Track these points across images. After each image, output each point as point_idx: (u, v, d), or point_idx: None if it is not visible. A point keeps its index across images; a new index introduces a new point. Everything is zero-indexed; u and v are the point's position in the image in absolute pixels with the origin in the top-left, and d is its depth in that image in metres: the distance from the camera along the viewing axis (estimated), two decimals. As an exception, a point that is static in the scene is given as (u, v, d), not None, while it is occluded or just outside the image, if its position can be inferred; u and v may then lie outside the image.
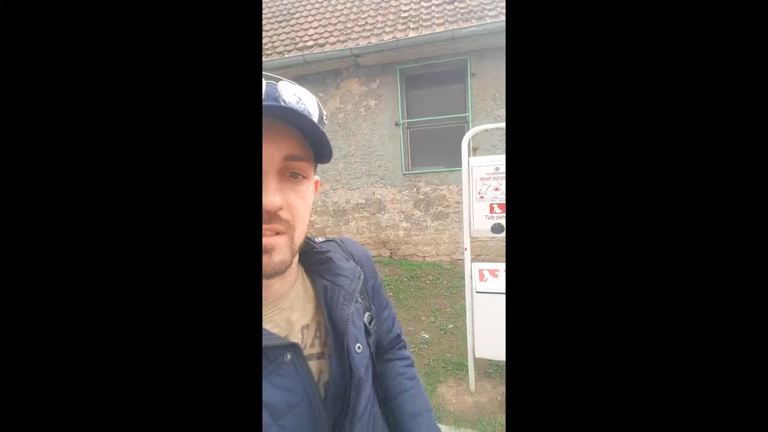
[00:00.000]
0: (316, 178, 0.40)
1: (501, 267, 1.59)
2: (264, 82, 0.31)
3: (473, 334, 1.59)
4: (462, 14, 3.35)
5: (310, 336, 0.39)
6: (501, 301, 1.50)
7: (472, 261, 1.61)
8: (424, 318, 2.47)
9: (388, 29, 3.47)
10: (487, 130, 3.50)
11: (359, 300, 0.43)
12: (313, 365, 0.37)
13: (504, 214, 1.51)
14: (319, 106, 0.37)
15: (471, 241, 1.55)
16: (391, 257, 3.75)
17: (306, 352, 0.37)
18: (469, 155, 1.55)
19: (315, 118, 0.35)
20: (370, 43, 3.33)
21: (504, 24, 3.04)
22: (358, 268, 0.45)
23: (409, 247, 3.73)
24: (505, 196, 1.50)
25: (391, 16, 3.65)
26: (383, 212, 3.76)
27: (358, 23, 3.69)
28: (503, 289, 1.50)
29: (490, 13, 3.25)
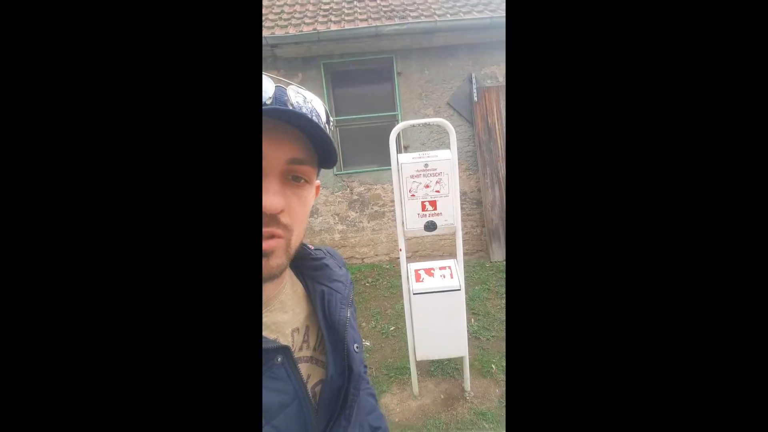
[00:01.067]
0: (317, 182, 0.39)
1: (436, 265, 1.55)
2: (273, 85, 0.31)
3: (413, 337, 1.52)
4: (384, 12, 3.31)
5: (300, 340, 0.39)
6: (438, 300, 1.46)
7: (408, 262, 1.53)
8: (365, 323, 2.35)
9: (307, 20, 3.24)
10: (414, 127, 3.54)
11: (351, 305, 0.44)
12: (302, 368, 0.37)
13: (436, 211, 1.46)
14: (326, 111, 0.36)
15: (406, 240, 1.47)
16: (328, 262, 3.54)
17: (295, 355, 0.37)
18: (398, 152, 1.46)
19: (322, 122, 0.34)
20: (287, 33, 3.06)
21: (426, 25, 3.09)
22: (349, 274, 0.47)
23: (347, 250, 3.58)
24: (435, 193, 1.45)
25: (311, 7, 3.43)
26: (316, 215, 3.54)
27: (273, 11, 3.38)
28: (439, 287, 1.45)
29: (412, 14, 3.26)
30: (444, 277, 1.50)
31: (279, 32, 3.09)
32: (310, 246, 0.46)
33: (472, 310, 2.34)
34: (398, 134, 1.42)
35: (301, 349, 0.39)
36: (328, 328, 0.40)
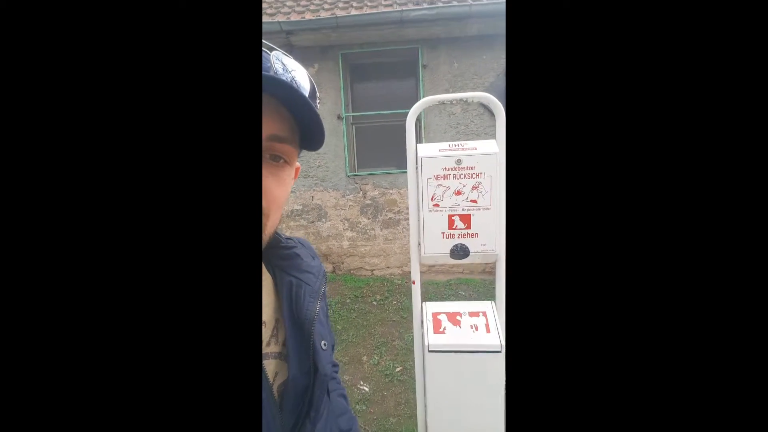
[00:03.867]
0: (298, 164, 0.36)
1: (466, 308, 1.03)
2: None
3: (425, 411, 1.00)
4: (412, -3, 2.84)
5: (267, 334, 0.36)
6: (465, 363, 0.94)
7: (423, 300, 1.02)
8: (365, 358, 1.85)
9: (327, 6, 2.83)
10: (444, 106, 3.00)
11: (323, 299, 0.41)
12: (268, 365, 0.35)
13: (470, 230, 0.96)
14: (311, 82, 0.32)
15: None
16: (333, 272, 3.08)
17: (263, 351, 0.35)
18: (416, 141, 0.97)
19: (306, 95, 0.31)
20: (304, 18, 2.66)
21: (459, 9, 2.59)
22: (323, 266, 0.43)
23: (355, 260, 3.11)
24: (470, 203, 0.95)
25: (333, -6, 3.02)
26: (324, 220, 3.09)
27: (293, -3, 3.00)
28: (469, 344, 0.94)
29: (443, 1, 2.77)
30: (476, 328, 0.99)
31: (295, 18, 2.70)
32: (283, 234, 0.41)
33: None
34: (420, 120, 0.91)
35: (269, 344, 0.36)
36: (294, 322, 0.36)
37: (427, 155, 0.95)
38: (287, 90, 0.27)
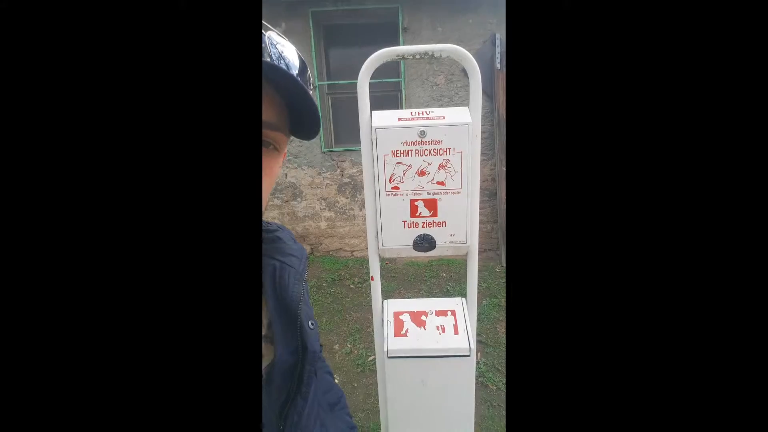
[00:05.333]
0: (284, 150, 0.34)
1: (432, 307, 0.89)
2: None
3: (387, 421, 0.88)
4: (390, -54, 2.47)
5: None
6: (430, 369, 0.81)
7: (384, 298, 0.87)
8: (337, 346, 1.74)
9: (293, -46, 2.44)
10: (427, 75, 2.72)
11: (306, 281, 0.41)
12: None
13: (436, 217, 0.79)
14: (300, 58, 0.29)
15: (383, 262, 0.81)
16: (311, 254, 2.92)
17: None
18: (371, 110, 0.77)
19: (303, 80, 0.28)
20: (265, -33, 2.28)
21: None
22: (304, 249, 0.43)
23: (334, 241, 2.95)
24: (436, 185, 0.77)
25: (301, -59, 2.60)
26: (300, 199, 2.88)
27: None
28: (434, 348, 0.80)
29: (425, -50, 2.42)
30: (443, 330, 0.85)
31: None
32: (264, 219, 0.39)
33: (478, 338, 1.70)
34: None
35: None
36: (279, 305, 0.37)
37: (384, 125, 0.75)
38: (282, 77, 0.26)
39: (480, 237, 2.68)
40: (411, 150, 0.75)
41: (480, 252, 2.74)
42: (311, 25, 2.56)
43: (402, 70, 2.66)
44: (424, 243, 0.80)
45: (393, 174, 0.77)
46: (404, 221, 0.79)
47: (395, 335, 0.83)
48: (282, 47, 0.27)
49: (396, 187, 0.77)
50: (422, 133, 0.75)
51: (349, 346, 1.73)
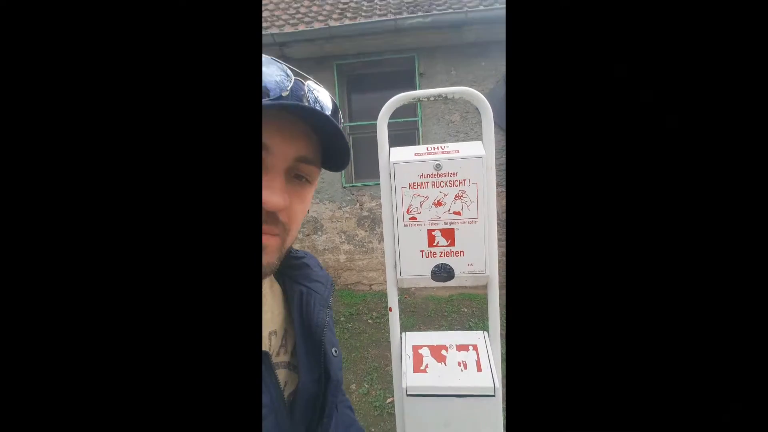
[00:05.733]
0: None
1: (453, 340, 0.85)
2: (293, 78, 0.29)
3: (407, 468, 0.81)
4: (407, 6, 2.77)
5: (277, 344, 0.36)
6: (453, 408, 0.76)
7: (403, 330, 0.85)
8: (354, 386, 1.66)
9: (321, 17, 2.78)
10: (443, 113, 2.83)
11: (330, 306, 0.42)
12: (278, 375, 0.35)
13: (454, 247, 0.79)
14: (332, 101, 0.33)
15: (401, 295, 0.80)
16: (330, 287, 2.91)
17: (273, 361, 0.35)
18: (389, 145, 0.82)
19: (336, 120, 0.32)
20: (296, 29, 2.60)
21: (455, 16, 2.50)
22: (330, 276, 0.45)
23: (353, 274, 2.94)
24: (452, 215, 0.79)
25: (328, 7, 2.98)
26: (320, 233, 2.96)
27: (287, 11, 2.96)
28: (455, 386, 0.76)
29: (438, 6, 2.69)
30: (464, 366, 0.81)
31: (289, 30, 2.65)
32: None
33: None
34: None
35: (278, 354, 0.36)
36: (304, 331, 0.37)
37: (401, 160, 0.80)
38: (318, 118, 0.28)
39: (501, 269, 2.59)
40: (427, 182, 0.78)
41: (502, 286, 2.62)
42: (335, 75, 2.83)
43: (419, 109, 2.82)
44: (443, 273, 0.80)
45: (411, 205, 0.79)
46: (422, 251, 0.79)
47: (414, 371, 0.80)
48: (317, 92, 0.31)
49: (413, 218, 0.79)
50: (438, 167, 0.78)
51: (367, 386, 1.65)
